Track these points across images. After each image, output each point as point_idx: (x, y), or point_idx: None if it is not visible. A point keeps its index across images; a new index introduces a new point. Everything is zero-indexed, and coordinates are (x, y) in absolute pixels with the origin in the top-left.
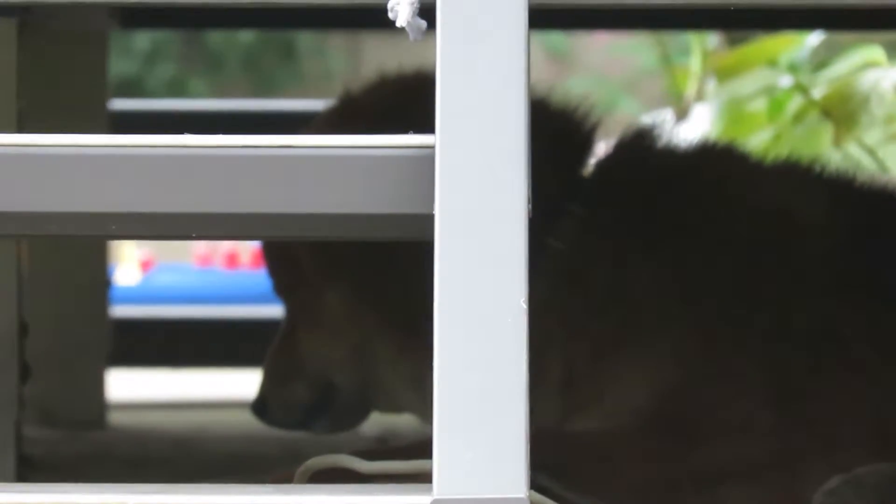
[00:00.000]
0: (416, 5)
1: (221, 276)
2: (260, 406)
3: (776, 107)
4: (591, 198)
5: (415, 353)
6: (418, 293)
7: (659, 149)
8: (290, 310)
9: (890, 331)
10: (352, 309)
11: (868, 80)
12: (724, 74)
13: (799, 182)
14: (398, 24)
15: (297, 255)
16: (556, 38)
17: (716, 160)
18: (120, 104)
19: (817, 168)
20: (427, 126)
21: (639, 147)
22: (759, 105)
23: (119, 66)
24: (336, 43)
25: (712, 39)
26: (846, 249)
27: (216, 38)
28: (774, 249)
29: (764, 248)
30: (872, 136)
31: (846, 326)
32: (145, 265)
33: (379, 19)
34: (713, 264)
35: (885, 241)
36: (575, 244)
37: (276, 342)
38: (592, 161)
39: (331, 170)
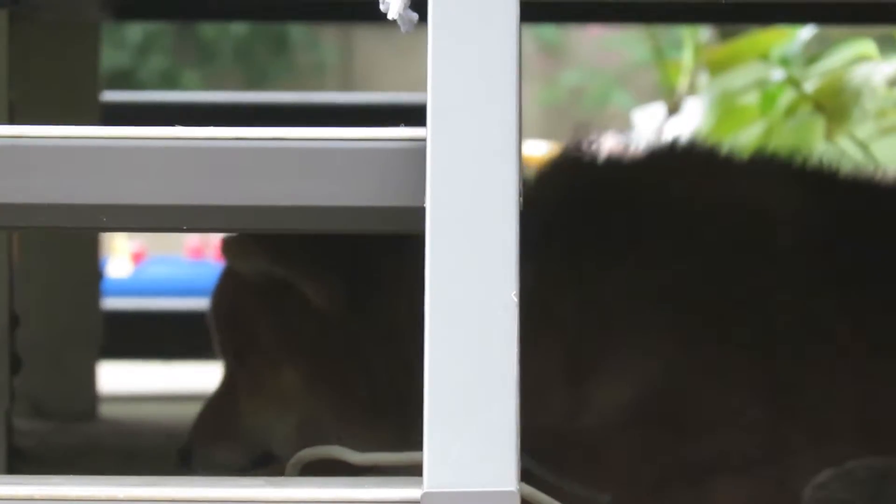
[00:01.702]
0: None
1: (213, 268)
2: (186, 455)
3: (768, 100)
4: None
5: (375, 434)
6: (383, 376)
7: (605, 158)
8: (234, 372)
9: (877, 323)
10: (310, 386)
11: (860, 74)
12: (717, 68)
13: (776, 176)
14: (390, 17)
15: (253, 321)
16: (549, 32)
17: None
18: (112, 96)
19: (796, 162)
20: None
21: (579, 155)
22: (751, 99)
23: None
24: (328, 35)
25: (704, 33)
26: (829, 242)
27: (209, 30)
28: (758, 246)
29: (747, 244)
30: (864, 129)
31: (834, 320)
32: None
33: (371, 12)
34: (695, 263)
35: (868, 233)
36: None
37: (212, 398)
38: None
39: (322, 162)
